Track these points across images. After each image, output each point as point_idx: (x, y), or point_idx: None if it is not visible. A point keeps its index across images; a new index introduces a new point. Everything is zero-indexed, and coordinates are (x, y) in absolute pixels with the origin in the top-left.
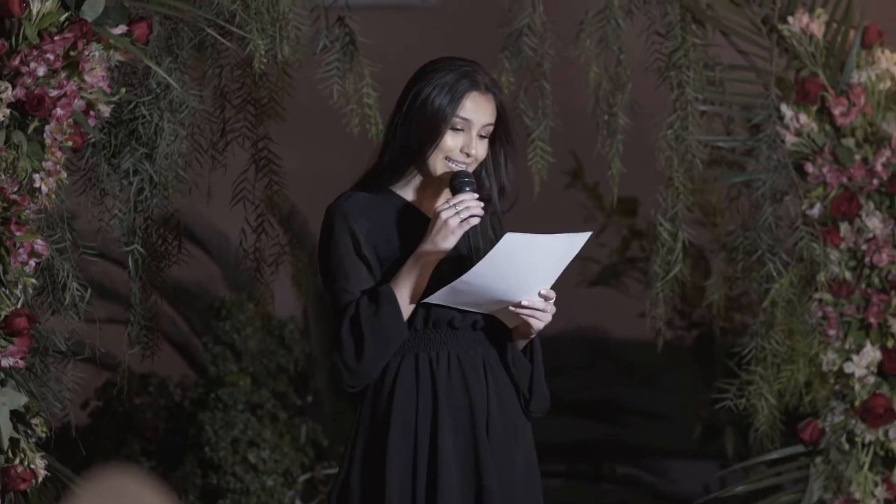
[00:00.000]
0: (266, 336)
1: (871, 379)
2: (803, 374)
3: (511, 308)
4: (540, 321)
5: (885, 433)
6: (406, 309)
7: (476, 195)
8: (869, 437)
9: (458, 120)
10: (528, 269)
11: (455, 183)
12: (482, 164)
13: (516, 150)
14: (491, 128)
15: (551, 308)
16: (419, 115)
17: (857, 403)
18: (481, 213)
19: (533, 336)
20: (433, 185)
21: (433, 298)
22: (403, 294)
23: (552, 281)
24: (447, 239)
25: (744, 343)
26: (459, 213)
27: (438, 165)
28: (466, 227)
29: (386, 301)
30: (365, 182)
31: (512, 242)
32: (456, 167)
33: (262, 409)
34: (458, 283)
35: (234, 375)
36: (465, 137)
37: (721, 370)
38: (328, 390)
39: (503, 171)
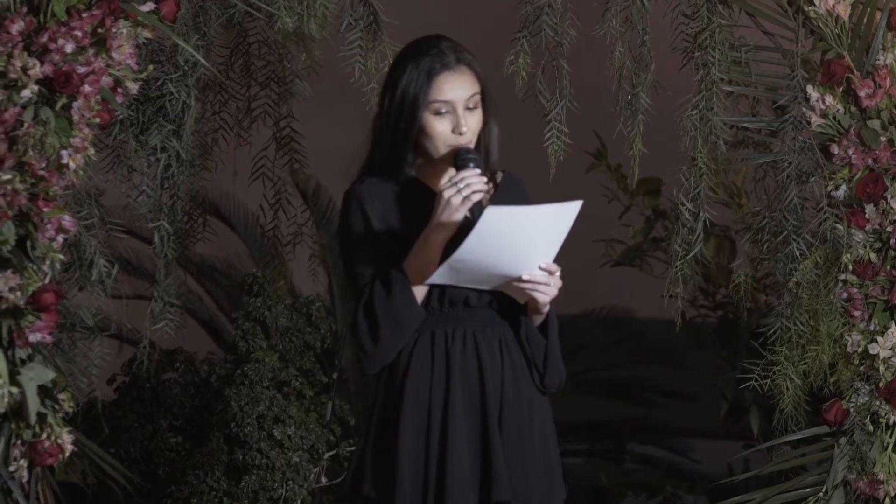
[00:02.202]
0: (293, 313)
1: None
2: (828, 355)
3: (515, 283)
4: (545, 294)
5: None
6: (419, 290)
7: (478, 170)
8: (893, 419)
9: (438, 105)
10: (523, 243)
11: (458, 160)
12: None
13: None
14: (478, 97)
15: (556, 281)
16: (400, 113)
17: (881, 385)
18: (484, 188)
19: (545, 311)
20: (442, 162)
21: (434, 278)
22: (415, 275)
23: (553, 253)
24: (451, 217)
25: (769, 323)
26: (461, 190)
27: (440, 149)
28: (469, 203)
29: (397, 284)
30: (375, 167)
31: (494, 215)
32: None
33: (288, 387)
34: (452, 262)
35: (261, 352)
36: (452, 118)
37: (744, 350)
38: (353, 368)
39: (482, 135)
